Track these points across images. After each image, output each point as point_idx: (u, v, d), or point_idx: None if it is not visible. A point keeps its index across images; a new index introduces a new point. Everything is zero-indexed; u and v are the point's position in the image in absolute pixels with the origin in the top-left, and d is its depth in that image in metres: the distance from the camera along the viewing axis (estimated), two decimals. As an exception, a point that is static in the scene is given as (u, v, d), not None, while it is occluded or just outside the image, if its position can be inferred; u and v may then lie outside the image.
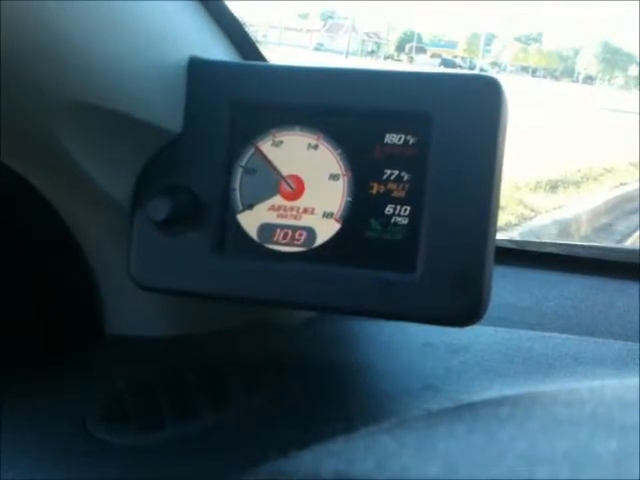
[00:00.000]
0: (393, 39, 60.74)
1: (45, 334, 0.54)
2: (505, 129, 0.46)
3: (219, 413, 0.47)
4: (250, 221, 0.48)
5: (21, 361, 0.52)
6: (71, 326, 0.56)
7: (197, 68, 0.48)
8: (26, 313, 0.54)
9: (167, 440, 0.44)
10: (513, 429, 0.19)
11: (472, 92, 0.45)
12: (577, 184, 5.24)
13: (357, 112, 0.47)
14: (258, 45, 0.57)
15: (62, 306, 0.56)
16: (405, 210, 0.46)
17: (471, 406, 0.23)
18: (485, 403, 0.23)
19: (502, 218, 3.55)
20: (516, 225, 3.63)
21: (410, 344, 0.55)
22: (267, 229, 0.48)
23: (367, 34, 58.08)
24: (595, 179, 5.59)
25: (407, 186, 0.46)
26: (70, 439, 0.46)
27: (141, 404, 0.48)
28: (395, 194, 0.47)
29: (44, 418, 0.48)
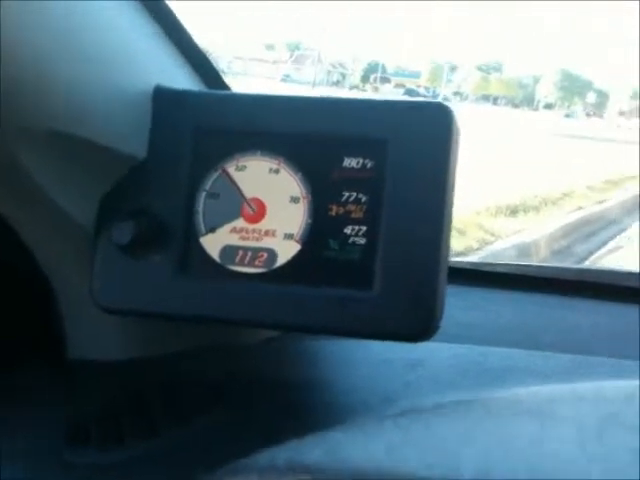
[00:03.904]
0: (358, 69, 61.60)
1: (4, 358, 0.55)
2: (457, 153, 0.48)
3: (179, 431, 0.48)
4: (213, 244, 0.50)
5: None
6: (32, 351, 0.57)
7: (162, 96, 0.50)
8: None
9: (128, 458, 0.45)
10: (450, 420, 0.21)
11: (424, 118, 0.48)
12: (536, 209, 5.35)
13: (317, 138, 0.49)
14: (222, 75, 0.59)
15: (22, 330, 0.56)
16: (362, 230, 0.48)
17: (418, 408, 0.25)
18: (430, 406, 0.25)
19: (463, 242, 3.60)
20: (477, 249, 3.69)
21: (369, 360, 0.57)
22: (229, 251, 0.50)
23: (332, 65, 58.81)
24: (554, 203, 5.71)
25: (365, 207, 0.48)
26: (35, 462, 0.46)
27: (102, 424, 0.49)
28: (353, 215, 0.49)
29: (10, 442, 0.48)
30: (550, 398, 0.24)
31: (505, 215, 4.79)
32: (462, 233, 3.77)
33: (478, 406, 0.23)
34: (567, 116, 41.15)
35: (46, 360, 0.57)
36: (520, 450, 0.18)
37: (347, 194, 0.49)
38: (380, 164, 0.48)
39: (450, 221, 0.48)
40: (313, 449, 0.20)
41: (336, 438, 0.20)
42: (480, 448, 0.18)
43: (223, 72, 0.61)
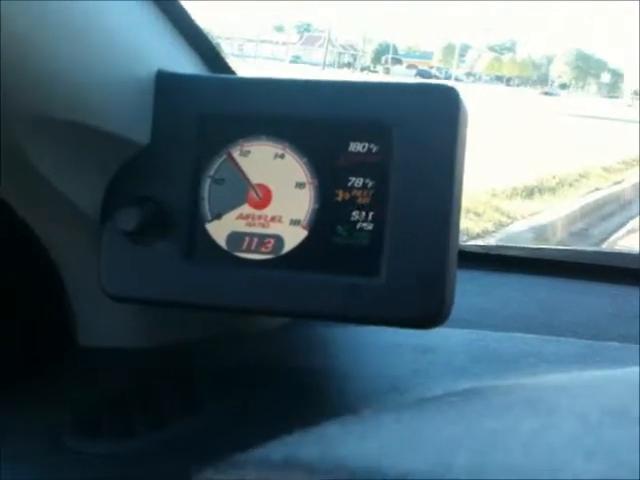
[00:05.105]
0: (369, 51, 61.21)
1: (17, 348, 0.55)
2: (464, 136, 0.47)
3: (190, 420, 0.47)
4: (219, 230, 0.49)
5: None
6: (44, 339, 0.57)
7: (164, 81, 0.49)
8: None
9: (139, 448, 0.45)
10: (449, 414, 0.20)
11: (431, 101, 0.47)
12: (552, 190, 5.31)
13: (322, 122, 0.49)
14: (233, 58, 0.58)
15: (34, 319, 0.56)
16: (370, 216, 0.48)
17: (421, 399, 0.25)
18: (434, 397, 0.25)
19: (479, 225, 3.59)
20: (493, 232, 3.67)
21: (378, 347, 0.57)
22: (236, 237, 0.49)
23: (343, 46, 58.45)
24: (570, 185, 5.67)
25: (371, 193, 0.48)
26: (44, 451, 0.46)
27: (113, 413, 0.49)
28: (360, 201, 0.48)
29: (17, 431, 0.48)
30: (554, 388, 0.23)
31: (521, 197, 4.76)
32: (478, 215, 3.75)
33: (478, 398, 0.23)
34: (546, 94, 39.88)
35: (57, 347, 0.57)
36: (515, 445, 0.17)
37: (353, 179, 0.48)
38: (386, 148, 0.47)
39: (459, 205, 0.47)
40: (309, 445, 0.19)
41: (333, 434, 0.20)
42: (475, 444, 0.18)
43: (235, 54, 0.60)
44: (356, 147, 0.48)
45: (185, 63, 0.53)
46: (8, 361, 0.53)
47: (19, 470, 0.45)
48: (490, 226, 3.75)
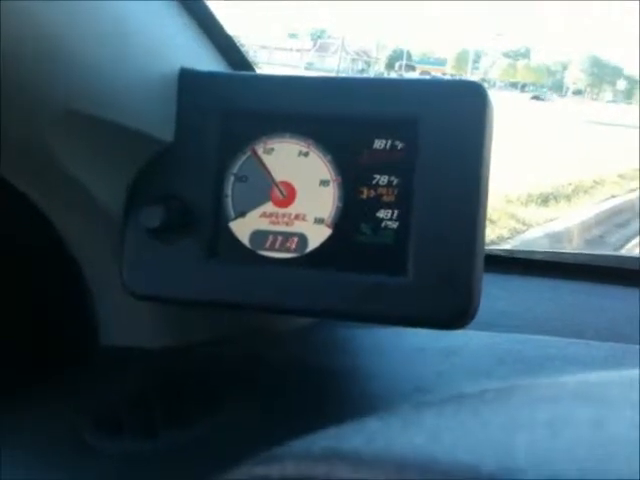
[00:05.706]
0: (383, 57, 61.33)
1: (39, 346, 0.55)
2: (491, 132, 0.47)
3: (212, 420, 0.47)
4: (242, 228, 0.49)
5: (15, 374, 0.52)
6: (65, 337, 0.57)
7: (187, 79, 0.49)
8: (20, 325, 0.54)
9: (160, 448, 0.45)
10: (496, 406, 0.20)
11: (456, 96, 0.46)
12: (568, 197, 5.28)
13: (346, 119, 0.48)
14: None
15: (56, 317, 0.56)
16: (395, 214, 0.47)
17: (459, 394, 0.24)
18: (471, 392, 0.24)
19: (494, 232, 3.57)
20: (508, 238, 3.65)
21: (401, 349, 0.56)
22: (259, 236, 0.49)
23: (357, 53, 58.57)
24: (586, 192, 5.63)
25: (396, 190, 0.47)
26: (65, 449, 0.46)
27: (134, 413, 0.48)
28: (385, 198, 0.47)
29: (39, 429, 0.48)
30: (600, 383, 0.22)
31: (536, 204, 4.73)
32: (493, 222, 3.73)
33: (523, 392, 0.22)
34: (535, 98, 39.03)
35: (79, 346, 0.57)
36: (578, 434, 0.17)
37: (378, 177, 0.47)
38: (412, 145, 0.47)
39: (486, 204, 0.47)
40: (351, 437, 0.19)
41: (375, 426, 0.19)
42: (534, 433, 0.17)
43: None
44: (381, 144, 0.47)
45: (207, 60, 0.53)
46: (31, 360, 0.53)
47: (40, 468, 0.45)
48: (505, 233, 3.72)
